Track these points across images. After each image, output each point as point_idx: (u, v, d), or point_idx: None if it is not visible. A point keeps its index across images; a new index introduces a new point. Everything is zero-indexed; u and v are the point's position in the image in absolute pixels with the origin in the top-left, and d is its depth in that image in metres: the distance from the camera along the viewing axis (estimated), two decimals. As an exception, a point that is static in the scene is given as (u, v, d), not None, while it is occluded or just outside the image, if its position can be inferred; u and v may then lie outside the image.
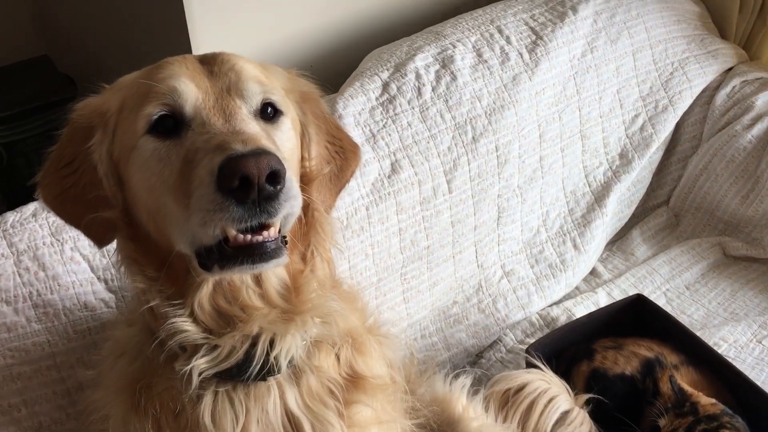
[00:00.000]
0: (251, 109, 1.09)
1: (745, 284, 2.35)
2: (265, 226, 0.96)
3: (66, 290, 1.56)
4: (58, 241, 1.58)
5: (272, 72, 1.19)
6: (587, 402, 1.75)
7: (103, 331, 1.56)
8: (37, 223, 1.58)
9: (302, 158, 1.19)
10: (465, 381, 1.69)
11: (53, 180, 1.12)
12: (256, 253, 0.96)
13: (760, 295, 2.31)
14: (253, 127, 1.04)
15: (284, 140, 1.12)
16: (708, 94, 2.57)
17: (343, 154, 1.26)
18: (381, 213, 1.91)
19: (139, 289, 1.10)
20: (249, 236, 0.95)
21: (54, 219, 1.59)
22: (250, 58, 1.18)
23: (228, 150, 0.93)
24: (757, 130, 2.43)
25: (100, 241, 1.15)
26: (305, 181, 1.18)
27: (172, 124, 1.06)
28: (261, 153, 0.92)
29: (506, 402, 1.70)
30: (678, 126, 2.56)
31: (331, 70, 2.29)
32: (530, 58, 2.19)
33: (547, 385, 1.71)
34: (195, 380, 1.07)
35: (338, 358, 1.21)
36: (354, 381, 1.22)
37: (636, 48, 2.41)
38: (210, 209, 0.93)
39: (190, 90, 1.06)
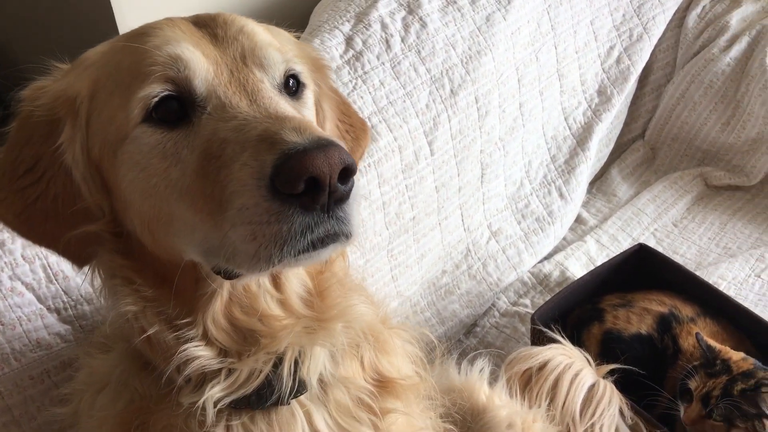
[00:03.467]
0: (274, 83, 0.88)
1: (733, 215, 2.28)
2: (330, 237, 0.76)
3: (12, 329, 1.29)
4: (-8, 269, 1.30)
5: (281, 37, 0.96)
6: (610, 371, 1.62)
7: (64, 371, 1.32)
8: (-41, 248, 1.29)
9: None
10: (482, 365, 1.53)
11: (11, 194, 0.89)
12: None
13: (750, 225, 2.24)
14: (287, 107, 0.82)
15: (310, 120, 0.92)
16: (678, 17, 2.42)
17: (353, 133, 1.08)
18: (363, 188, 1.69)
19: (131, 314, 0.89)
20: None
21: (-20, 241, 1.31)
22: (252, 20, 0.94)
23: (281, 143, 0.72)
24: (735, 51, 2.30)
25: (79, 259, 0.94)
26: None
27: (177, 107, 0.83)
28: (327, 145, 0.72)
29: (528, 382, 1.56)
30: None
31: (277, 25, 2.00)
32: (501, -6, 1.97)
33: (569, 359, 1.57)
34: (210, 414, 0.90)
35: (362, 363, 1.05)
36: (382, 385, 1.06)
37: (606, -28, 2.23)
38: (264, 221, 0.72)
39: (198, 59, 0.83)
